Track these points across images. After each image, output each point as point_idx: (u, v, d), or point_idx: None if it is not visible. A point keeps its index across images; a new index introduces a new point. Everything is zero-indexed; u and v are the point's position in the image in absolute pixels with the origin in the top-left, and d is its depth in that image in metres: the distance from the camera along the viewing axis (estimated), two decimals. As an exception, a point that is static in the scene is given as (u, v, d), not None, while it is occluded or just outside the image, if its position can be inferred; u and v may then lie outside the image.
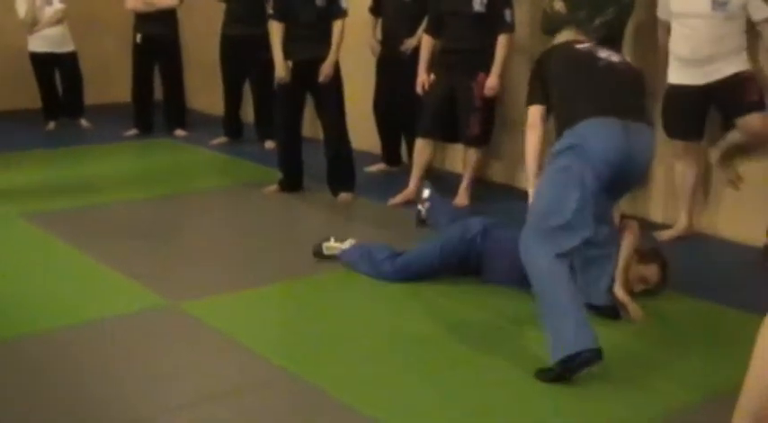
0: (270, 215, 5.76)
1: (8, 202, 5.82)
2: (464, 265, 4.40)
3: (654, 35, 5.42)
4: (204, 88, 8.65)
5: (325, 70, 5.67)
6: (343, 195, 5.94)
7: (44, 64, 8.04)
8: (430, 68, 5.83)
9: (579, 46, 4.02)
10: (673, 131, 5.01)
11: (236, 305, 4.24)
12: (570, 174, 3.57)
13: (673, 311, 4.20)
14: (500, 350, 3.72)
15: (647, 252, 4.30)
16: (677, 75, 4.89)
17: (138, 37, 7.75)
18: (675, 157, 5.10)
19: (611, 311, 3.99)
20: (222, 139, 7.60)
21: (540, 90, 3.95)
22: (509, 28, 5.58)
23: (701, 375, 3.55)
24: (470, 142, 5.83)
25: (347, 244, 4.66)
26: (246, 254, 5.02)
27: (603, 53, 3.94)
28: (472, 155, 5.88)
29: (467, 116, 5.66)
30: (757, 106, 4.75)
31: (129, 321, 4.00)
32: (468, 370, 3.58)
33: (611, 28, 5.03)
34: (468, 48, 5.59)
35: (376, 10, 6.54)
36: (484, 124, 5.71)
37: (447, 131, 5.88)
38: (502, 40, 5.57)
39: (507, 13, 5.56)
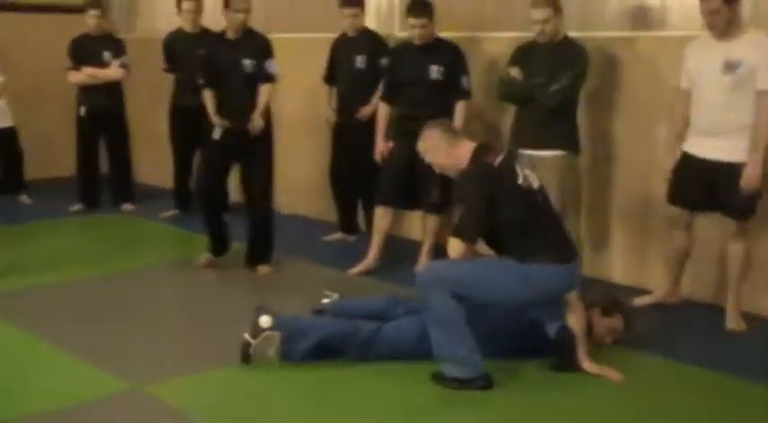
0: (227, 288, 5.65)
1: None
2: None
3: (607, 100, 5.50)
4: (151, 161, 8.51)
5: (255, 122, 5.61)
6: (263, 268, 5.87)
7: None
8: (387, 136, 5.80)
9: (518, 180, 4.04)
10: (674, 198, 4.92)
11: (205, 387, 4.09)
12: (514, 287, 3.96)
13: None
14: None
15: (609, 304, 4.46)
16: (688, 142, 4.81)
17: (82, 110, 7.60)
18: (669, 224, 5.03)
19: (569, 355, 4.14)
20: (172, 212, 7.44)
21: (480, 222, 4.02)
22: (466, 95, 5.60)
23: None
24: (431, 209, 5.78)
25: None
26: (206, 331, 4.86)
27: (531, 179, 4.12)
28: (432, 222, 5.83)
29: (427, 183, 5.59)
30: (744, 212, 4.66)
31: (96, 409, 3.83)
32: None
33: (567, 94, 5.10)
34: (426, 115, 5.47)
35: (330, 79, 6.53)
36: (443, 191, 5.65)
37: (406, 199, 5.82)
38: (459, 107, 5.58)
39: (464, 79, 5.59)
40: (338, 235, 6.69)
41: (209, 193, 5.85)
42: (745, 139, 4.58)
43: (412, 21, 5.54)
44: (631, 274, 5.56)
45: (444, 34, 5.76)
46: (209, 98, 5.72)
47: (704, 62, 4.65)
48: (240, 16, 5.57)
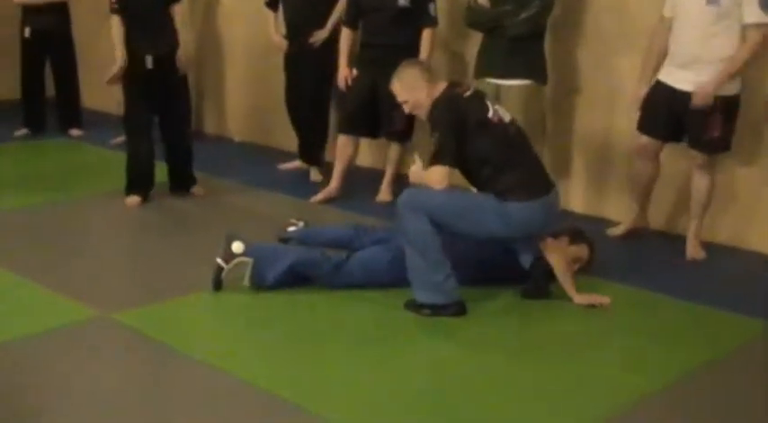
0: (180, 216, 5.60)
1: None
2: None
3: (574, 31, 5.47)
4: (98, 85, 8.24)
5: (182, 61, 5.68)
6: (197, 188, 5.88)
7: None
8: (350, 63, 5.69)
9: (488, 114, 4.07)
10: (643, 126, 4.91)
11: (176, 313, 4.06)
12: (489, 221, 3.99)
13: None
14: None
15: (575, 234, 4.51)
16: (664, 71, 4.78)
17: (27, 31, 7.30)
18: (635, 153, 5.02)
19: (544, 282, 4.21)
20: (123, 138, 7.19)
21: (455, 147, 3.99)
22: (433, 22, 5.51)
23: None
24: (393, 138, 5.74)
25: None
26: (169, 258, 4.78)
27: (502, 112, 4.16)
28: (394, 150, 5.81)
29: (390, 112, 5.52)
30: (716, 143, 4.68)
31: (64, 336, 3.76)
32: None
33: (536, 23, 5.06)
34: (391, 43, 5.47)
35: (273, 3, 6.32)
36: (407, 119, 5.59)
37: (369, 127, 5.76)
38: (426, 35, 5.49)
39: (431, 7, 5.49)
40: (296, 163, 6.57)
41: (148, 129, 5.74)
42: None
43: None
44: (591, 204, 5.61)
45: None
46: (117, 26, 5.52)
47: None
48: None
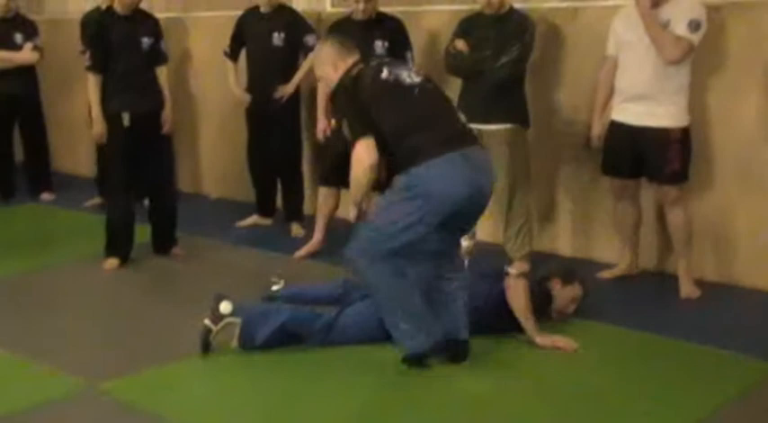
0: (162, 277, 5.49)
1: None
2: None
3: (551, 73, 5.46)
4: (65, 148, 8.14)
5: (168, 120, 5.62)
6: (177, 249, 5.77)
7: None
8: (327, 114, 5.62)
9: (382, 75, 3.85)
10: (607, 169, 4.94)
11: (161, 381, 3.90)
12: (414, 210, 3.71)
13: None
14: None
15: (567, 274, 4.40)
16: (615, 111, 4.83)
17: (-6, 95, 7.20)
18: (613, 196, 5.03)
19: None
20: (97, 200, 7.08)
21: (366, 123, 3.79)
22: None
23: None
24: (375, 188, 5.63)
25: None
26: (151, 324, 4.64)
27: (407, 75, 3.90)
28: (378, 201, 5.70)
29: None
30: (675, 177, 4.69)
31: (52, 410, 3.61)
32: None
33: (516, 67, 5.03)
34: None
35: (232, 55, 6.27)
36: (387, 170, 5.50)
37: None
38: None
39: (408, 54, 5.49)
40: (254, 218, 6.50)
41: (128, 189, 5.58)
42: (675, 105, 4.64)
43: None
44: (579, 245, 5.55)
45: (382, 9, 5.64)
46: (95, 84, 5.41)
47: (636, 28, 4.64)
48: None
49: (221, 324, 4.00)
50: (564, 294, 4.32)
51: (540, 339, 4.08)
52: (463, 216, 3.83)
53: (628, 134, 4.77)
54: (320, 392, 3.76)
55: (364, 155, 3.76)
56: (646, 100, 4.67)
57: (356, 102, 3.82)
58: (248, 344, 4.04)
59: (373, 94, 3.79)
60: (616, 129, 4.83)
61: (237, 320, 4.02)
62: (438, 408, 3.58)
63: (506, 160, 5.03)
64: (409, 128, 3.75)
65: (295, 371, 3.95)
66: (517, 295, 4.11)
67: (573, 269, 4.52)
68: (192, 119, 7.54)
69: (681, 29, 4.52)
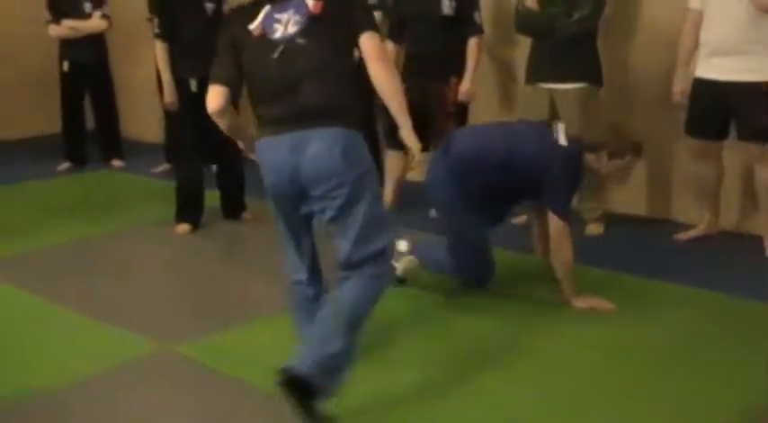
0: (233, 241, 5.51)
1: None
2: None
3: (625, 29, 5.32)
4: (133, 114, 8.21)
5: None
6: (246, 214, 5.80)
7: None
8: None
9: (251, 24, 3.17)
10: (693, 130, 4.79)
11: (235, 343, 3.92)
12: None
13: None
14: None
15: (618, 147, 4.03)
16: (701, 67, 4.67)
17: (65, 64, 7.28)
18: (693, 157, 4.90)
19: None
20: (165, 166, 7.13)
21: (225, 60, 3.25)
22: (479, 30, 5.38)
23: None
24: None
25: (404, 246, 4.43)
26: (224, 288, 4.69)
27: (281, 27, 3.14)
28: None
29: (441, 122, 5.39)
30: (764, 134, 4.52)
31: (131, 371, 3.66)
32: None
33: (588, 24, 4.91)
34: (437, 52, 5.33)
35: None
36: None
37: (420, 139, 5.56)
38: (473, 44, 5.36)
39: (476, 15, 5.37)
40: None
41: (196, 154, 5.62)
42: (765, 57, 4.45)
43: None
44: (655, 206, 5.47)
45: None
46: (163, 51, 5.43)
47: None
48: None
49: (402, 261, 4.31)
50: (609, 166, 4.04)
51: (578, 302, 4.02)
52: (300, 199, 3.19)
53: (715, 91, 4.60)
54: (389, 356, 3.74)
55: (211, 104, 3.18)
56: (734, 54, 4.49)
57: (228, 49, 3.25)
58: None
59: (239, 46, 3.21)
60: (702, 86, 4.66)
61: (414, 259, 4.35)
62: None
63: (580, 119, 4.92)
64: (255, 96, 3.25)
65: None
66: (565, 249, 3.99)
67: (625, 142, 4.10)
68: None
69: None
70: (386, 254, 3.19)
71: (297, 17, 3.11)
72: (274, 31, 3.12)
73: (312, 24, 3.10)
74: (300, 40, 3.09)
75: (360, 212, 3.08)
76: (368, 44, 3.13)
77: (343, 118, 3.11)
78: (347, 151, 3.06)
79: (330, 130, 3.07)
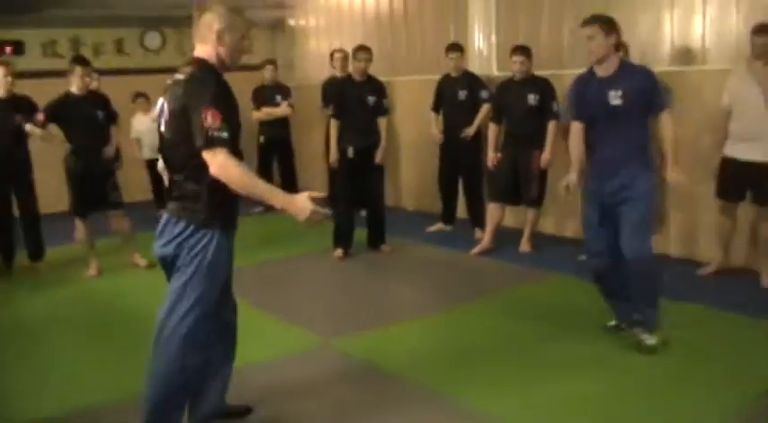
0: (376, 265, 5.66)
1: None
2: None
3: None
4: (308, 174, 8.69)
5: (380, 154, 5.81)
6: (385, 247, 5.94)
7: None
8: (496, 148, 5.82)
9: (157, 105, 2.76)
10: (721, 194, 4.82)
11: (376, 341, 4.00)
12: None
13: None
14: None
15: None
16: (730, 148, 4.69)
17: (261, 138, 7.83)
18: (720, 214, 4.90)
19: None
20: (327, 211, 7.46)
21: None
22: (556, 116, 5.54)
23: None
24: (531, 203, 5.81)
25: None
26: (369, 297, 4.85)
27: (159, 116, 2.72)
28: (532, 213, 5.85)
29: (528, 183, 5.63)
30: None
31: (298, 359, 3.77)
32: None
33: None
34: (526, 131, 5.61)
35: (436, 108, 6.47)
36: (540, 189, 5.70)
37: (512, 196, 5.82)
38: (551, 126, 5.56)
39: (554, 104, 5.55)
40: (440, 225, 6.66)
41: (349, 201, 5.88)
42: None
43: (515, 58, 5.55)
44: (685, 249, 5.45)
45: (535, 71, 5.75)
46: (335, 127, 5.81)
47: (746, 85, 4.55)
48: (361, 64, 5.72)
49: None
50: None
51: (676, 175, 3.67)
52: None
53: (739, 167, 4.64)
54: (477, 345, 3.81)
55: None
56: (754, 139, 4.54)
57: None
58: None
59: None
60: (727, 162, 4.70)
61: None
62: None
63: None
64: None
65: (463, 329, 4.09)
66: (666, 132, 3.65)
67: None
68: (394, 152, 7.82)
69: None
70: None
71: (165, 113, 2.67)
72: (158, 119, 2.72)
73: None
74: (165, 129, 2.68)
75: None
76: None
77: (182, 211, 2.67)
78: None
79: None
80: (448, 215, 6.67)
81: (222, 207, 2.63)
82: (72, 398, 3.49)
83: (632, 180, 3.56)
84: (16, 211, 5.80)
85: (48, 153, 5.86)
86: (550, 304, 4.50)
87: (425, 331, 4.16)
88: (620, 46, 3.76)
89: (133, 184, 7.72)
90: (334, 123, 5.86)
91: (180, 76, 2.61)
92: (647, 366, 3.55)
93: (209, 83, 2.53)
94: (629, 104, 3.56)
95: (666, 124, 3.69)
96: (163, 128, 2.68)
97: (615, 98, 3.58)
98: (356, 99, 5.76)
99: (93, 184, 5.51)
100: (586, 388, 3.34)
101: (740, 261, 5.08)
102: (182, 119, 2.54)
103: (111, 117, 5.67)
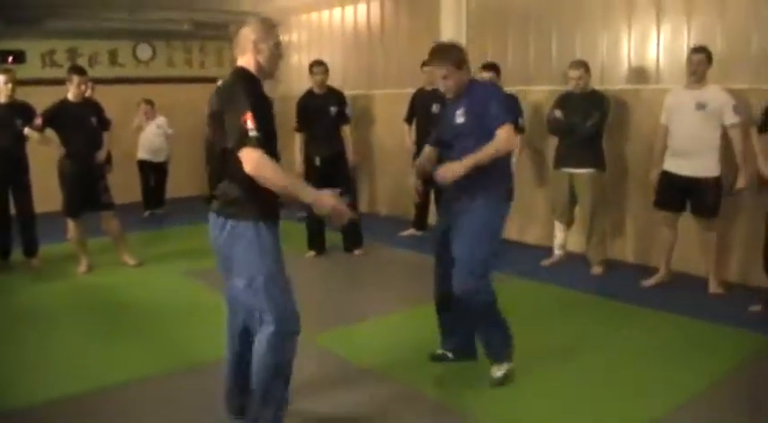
0: (348, 266, 5.62)
1: (170, 263, 5.74)
2: None
3: (621, 133, 5.45)
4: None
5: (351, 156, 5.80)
6: (358, 250, 5.91)
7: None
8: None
9: None
10: (657, 203, 4.83)
11: (350, 335, 4.01)
12: None
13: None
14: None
15: None
16: (667, 163, 4.70)
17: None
18: (661, 224, 4.90)
19: None
20: (302, 214, 7.40)
21: None
22: (521, 131, 5.52)
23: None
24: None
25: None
26: (342, 296, 4.80)
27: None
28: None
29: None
30: (714, 208, 4.59)
31: None
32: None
33: (597, 128, 5.09)
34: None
35: (409, 120, 6.42)
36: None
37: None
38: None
39: (520, 120, 5.53)
40: (411, 231, 6.62)
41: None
42: (710, 159, 4.50)
43: (484, 74, 5.48)
44: (640, 255, 5.48)
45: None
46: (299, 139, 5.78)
47: (681, 103, 4.57)
48: (318, 77, 5.72)
49: None
50: None
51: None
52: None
53: (676, 181, 4.64)
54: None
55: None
56: (689, 155, 4.54)
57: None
58: None
59: None
60: (667, 176, 4.70)
61: None
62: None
63: (590, 194, 5.08)
64: None
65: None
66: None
67: None
68: (370, 161, 7.84)
69: (730, 116, 4.42)
70: None
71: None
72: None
73: None
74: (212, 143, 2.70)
75: None
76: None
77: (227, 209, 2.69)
78: None
79: (224, 222, 2.72)
80: (419, 221, 6.63)
81: (262, 202, 2.64)
82: (67, 383, 3.42)
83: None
84: (12, 210, 5.73)
85: (43, 155, 5.79)
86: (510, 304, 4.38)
87: (391, 328, 4.15)
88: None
89: (123, 187, 7.60)
90: (297, 136, 5.83)
91: (221, 83, 2.70)
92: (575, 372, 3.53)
93: (247, 89, 2.59)
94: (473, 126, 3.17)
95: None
96: (208, 132, 2.71)
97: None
98: (319, 110, 5.74)
99: (86, 187, 5.45)
100: (554, 381, 3.33)
101: (683, 267, 5.09)
102: (221, 121, 2.58)
103: (104, 123, 5.62)
